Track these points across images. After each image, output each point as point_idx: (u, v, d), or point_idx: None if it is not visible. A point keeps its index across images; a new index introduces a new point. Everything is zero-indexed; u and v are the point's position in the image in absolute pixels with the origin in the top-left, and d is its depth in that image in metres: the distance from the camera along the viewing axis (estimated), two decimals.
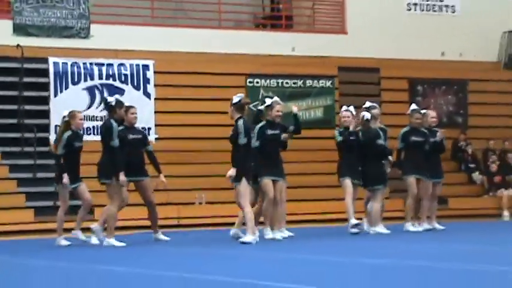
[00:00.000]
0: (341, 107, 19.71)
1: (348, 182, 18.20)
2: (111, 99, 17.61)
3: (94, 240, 17.42)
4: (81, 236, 17.96)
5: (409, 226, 18.70)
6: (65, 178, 17.57)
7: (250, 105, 18.51)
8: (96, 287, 9.32)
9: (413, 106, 19.99)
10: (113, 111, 17.33)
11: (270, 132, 17.53)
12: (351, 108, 19.22)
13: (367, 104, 19.72)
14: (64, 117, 18.35)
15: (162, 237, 17.85)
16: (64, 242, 17.77)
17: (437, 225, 19.23)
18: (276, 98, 18.35)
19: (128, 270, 10.97)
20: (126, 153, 17.64)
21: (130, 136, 18.06)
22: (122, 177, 16.77)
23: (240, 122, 16.89)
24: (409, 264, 10.60)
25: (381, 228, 18.32)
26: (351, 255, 12.88)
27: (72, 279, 10.16)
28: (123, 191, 17.50)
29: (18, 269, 12.16)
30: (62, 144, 17.65)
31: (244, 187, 16.77)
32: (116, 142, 17.07)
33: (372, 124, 18.82)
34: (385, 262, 11.39)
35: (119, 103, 17.55)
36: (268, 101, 18.09)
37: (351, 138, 18.21)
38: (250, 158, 16.86)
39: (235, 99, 17.55)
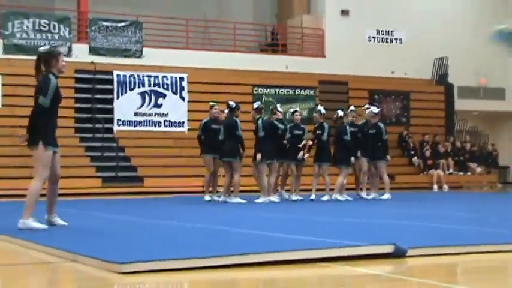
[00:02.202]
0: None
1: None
2: (232, 104, 16.89)
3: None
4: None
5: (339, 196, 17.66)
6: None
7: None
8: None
9: (352, 107, 19.09)
10: (234, 111, 16.75)
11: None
12: (321, 108, 18.89)
13: (366, 105, 19.50)
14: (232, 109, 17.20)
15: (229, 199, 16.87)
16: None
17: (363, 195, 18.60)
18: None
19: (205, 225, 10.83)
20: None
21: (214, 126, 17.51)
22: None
23: (260, 121, 16.81)
24: (380, 222, 10.43)
25: (340, 196, 17.51)
26: (336, 216, 12.71)
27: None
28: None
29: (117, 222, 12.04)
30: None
31: (262, 165, 16.80)
32: (240, 132, 16.59)
33: (373, 120, 18.32)
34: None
35: (237, 106, 16.98)
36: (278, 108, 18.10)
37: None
38: (267, 146, 16.74)
39: (255, 105, 17.54)
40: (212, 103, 18.07)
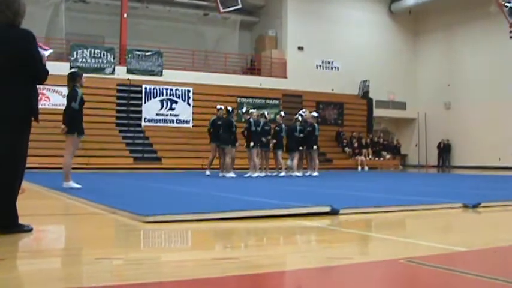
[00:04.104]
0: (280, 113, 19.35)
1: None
2: (230, 108, 16.59)
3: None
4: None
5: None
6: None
7: (239, 110, 18.00)
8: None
9: (300, 112, 18.74)
10: (230, 114, 16.40)
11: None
12: (282, 112, 18.85)
13: (302, 110, 19.16)
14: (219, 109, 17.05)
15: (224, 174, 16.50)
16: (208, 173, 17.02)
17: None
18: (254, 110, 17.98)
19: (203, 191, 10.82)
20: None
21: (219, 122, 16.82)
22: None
23: (251, 119, 16.66)
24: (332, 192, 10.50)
25: (298, 173, 17.45)
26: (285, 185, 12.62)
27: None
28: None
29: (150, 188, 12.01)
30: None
31: (255, 149, 16.65)
32: (234, 129, 16.24)
33: (312, 121, 17.87)
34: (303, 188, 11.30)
35: (233, 110, 16.69)
36: (244, 109, 17.92)
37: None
38: (257, 137, 16.63)
39: (244, 109, 17.58)
40: (219, 106, 17.60)
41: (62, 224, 6.18)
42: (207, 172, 17.29)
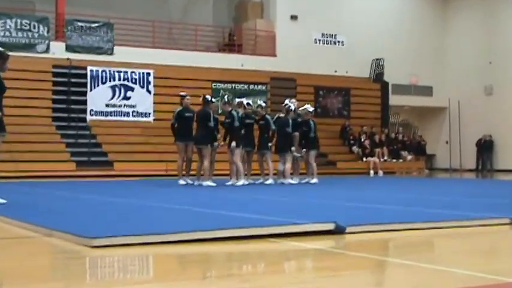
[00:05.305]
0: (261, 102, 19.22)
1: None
2: (208, 97, 16.48)
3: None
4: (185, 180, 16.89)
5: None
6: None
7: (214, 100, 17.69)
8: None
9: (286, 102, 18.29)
10: (208, 104, 16.28)
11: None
12: (261, 102, 18.68)
13: (289, 100, 18.99)
14: (182, 96, 17.09)
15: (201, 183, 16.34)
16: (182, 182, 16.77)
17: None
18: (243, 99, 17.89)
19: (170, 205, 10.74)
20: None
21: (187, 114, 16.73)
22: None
23: (234, 112, 16.52)
24: (331, 203, 10.45)
25: (292, 180, 17.34)
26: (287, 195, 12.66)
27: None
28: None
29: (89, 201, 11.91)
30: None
31: (238, 150, 16.45)
32: (212, 123, 16.11)
33: (306, 117, 17.89)
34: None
35: (212, 99, 16.53)
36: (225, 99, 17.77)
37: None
38: (242, 135, 16.49)
39: (226, 98, 17.49)
40: (183, 93, 17.45)
41: None
42: (181, 181, 16.89)
